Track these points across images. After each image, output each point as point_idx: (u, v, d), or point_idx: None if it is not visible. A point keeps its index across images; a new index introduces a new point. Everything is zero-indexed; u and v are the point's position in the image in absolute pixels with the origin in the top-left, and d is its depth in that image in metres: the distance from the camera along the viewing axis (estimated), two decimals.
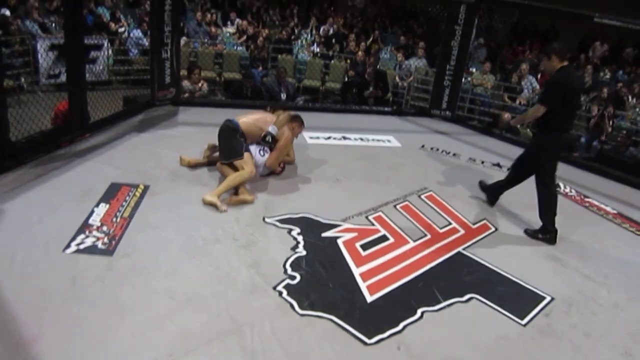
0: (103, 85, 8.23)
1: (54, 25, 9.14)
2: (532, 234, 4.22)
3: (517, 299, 3.28)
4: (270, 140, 4.38)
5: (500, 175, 5.24)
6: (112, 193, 3.91)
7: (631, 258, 4.07)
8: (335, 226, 3.84)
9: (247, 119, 4.41)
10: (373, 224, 3.95)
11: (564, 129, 4.17)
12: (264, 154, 4.45)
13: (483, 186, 4.80)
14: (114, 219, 3.55)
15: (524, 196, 4.73)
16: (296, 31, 11.38)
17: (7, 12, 8.42)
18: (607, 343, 3.00)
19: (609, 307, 3.35)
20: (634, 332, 3.12)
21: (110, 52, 9.03)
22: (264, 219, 3.83)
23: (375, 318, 2.92)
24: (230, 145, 4.26)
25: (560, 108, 4.02)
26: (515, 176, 4.47)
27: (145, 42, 9.37)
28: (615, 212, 4.90)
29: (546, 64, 4.18)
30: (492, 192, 4.67)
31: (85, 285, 2.87)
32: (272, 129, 4.39)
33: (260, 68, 9.62)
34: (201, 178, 4.36)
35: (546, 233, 4.18)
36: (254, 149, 4.42)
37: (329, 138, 5.82)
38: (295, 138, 4.70)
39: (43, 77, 8.00)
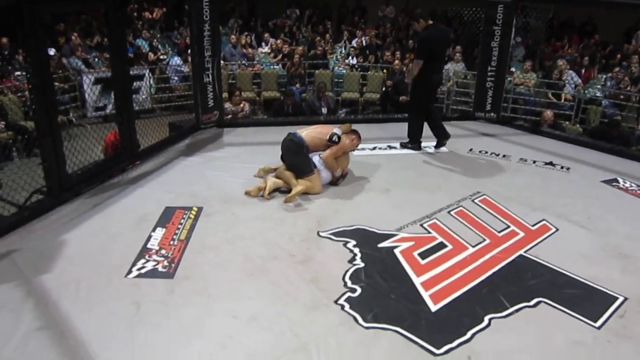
0: (147, 113, 8.44)
1: (96, 60, 9.48)
2: (404, 144, 5.73)
3: (587, 301, 3.13)
4: (336, 140, 4.55)
5: (556, 174, 5.13)
6: (167, 217, 3.96)
7: None
8: (390, 236, 3.78)
9: (312, 131, 4.61)
10: (429, 232, 3.87)
11: (435, 72, 5.41)
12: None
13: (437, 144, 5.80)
14: (172, 242, 3.60)
15: (583, 197, 4.60)
16: (329, 46, 11.42)
17: (52, 51, 8.78)
18: None
19: None
20: None
21: (151, 81, 9.27)
22: (318, 233, 3.81)
23: (441, 328, 2.84)
24: (300, 163, 4.47)
25: (431, 58, 5.21)
26: (428, 115, 5.67)
27: (185, 69, 9.58)
28: None
29: (417, 26, 5.43)
30: (440, 134, 5.71)
31: (150, 309, 2.90)
32: (337, 130, 4.61)
33: (298, 85, 9.68)
34: (253, 198, 4.37)
35: (415, 143, 5.71)
36: (316, 156, 4.60)
37: (374, 148, 5.76)
38: (353, 150, 4.89)
39: (90, 110, 8.29)
